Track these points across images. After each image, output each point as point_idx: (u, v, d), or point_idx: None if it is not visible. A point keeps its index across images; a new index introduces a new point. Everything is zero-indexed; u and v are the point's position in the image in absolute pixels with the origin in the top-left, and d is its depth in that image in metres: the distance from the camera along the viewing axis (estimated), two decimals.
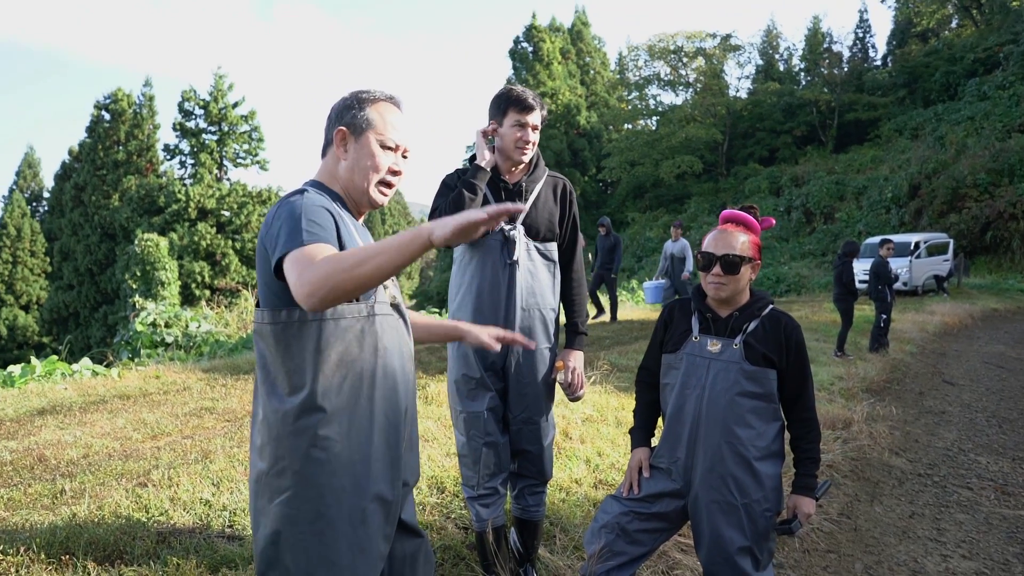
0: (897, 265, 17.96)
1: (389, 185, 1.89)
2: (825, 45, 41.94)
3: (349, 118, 1.85)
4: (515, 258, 2.86)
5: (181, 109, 39.70)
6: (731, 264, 2.35)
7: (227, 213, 37.59)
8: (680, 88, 42.72)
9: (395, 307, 1.91)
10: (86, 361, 7.50)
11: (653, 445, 2.64)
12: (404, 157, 1.92)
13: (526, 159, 2.87)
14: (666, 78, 42.88)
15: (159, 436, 4.83)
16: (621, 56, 49.18)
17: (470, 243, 2.94)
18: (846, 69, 39.99)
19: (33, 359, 7.78)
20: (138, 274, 31.51)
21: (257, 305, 1.79)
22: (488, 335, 2.13)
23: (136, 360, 10.47)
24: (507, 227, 2.87)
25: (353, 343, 1.76)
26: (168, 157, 40.50)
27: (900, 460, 5.15)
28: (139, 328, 12.11)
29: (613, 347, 9.04)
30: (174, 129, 39.79)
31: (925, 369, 9.22)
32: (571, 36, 49.24)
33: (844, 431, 5.25)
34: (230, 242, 36.41)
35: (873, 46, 44.06)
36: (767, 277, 26.28)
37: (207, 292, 34.81)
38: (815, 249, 27.80)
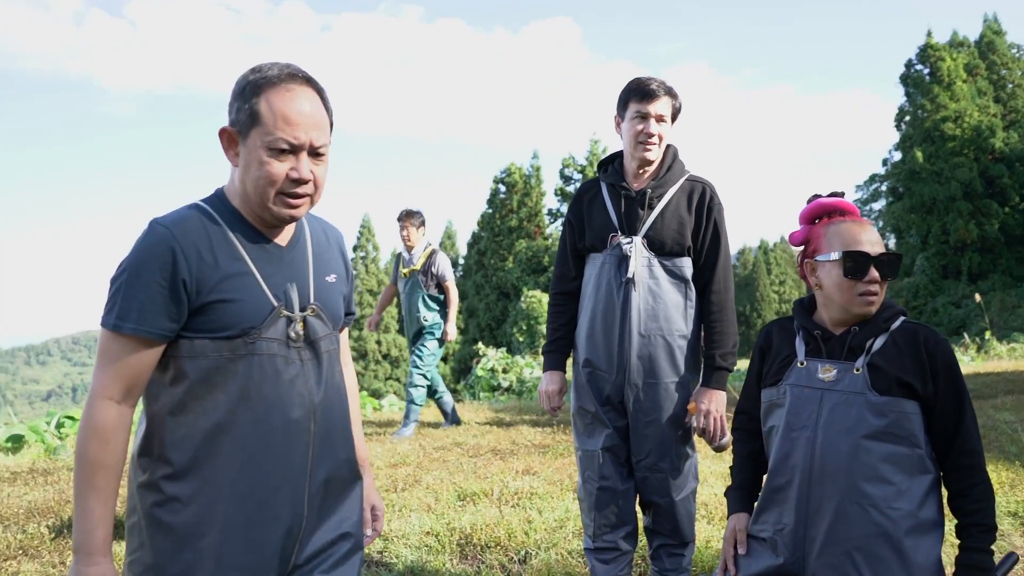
0: None
1: (295, 196, 1.45)
2: None
3: (235, 113, 1.44)
4: (630, 275, 2.44)
5: (561, 175, 43.24)
6: (891, 264, 1.71)
7: None
8: None
9: (311, 344, 1.51)
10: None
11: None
12: (318, 155, 1.46)
13: (650, 156, 2.45)
14: None
15: (398, 465, 4.99)
16: None
17: (589, 259, 2.64)
18: None
19: None
20: (524, 328, 34.44)
21: None
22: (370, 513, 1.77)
23: (476, 401, 11.29)
24: (624, 240, 2.48)
25: (214, 388, 1.42)
26: (551, 220, 44.33)
27: None
28: (479, 373, 13.11)
29: None
30: (556, 194, 43.45)
31: None
32: (979, 49, 42.70)
33: None
34: None
35: None
36: None
37: None
38: None
